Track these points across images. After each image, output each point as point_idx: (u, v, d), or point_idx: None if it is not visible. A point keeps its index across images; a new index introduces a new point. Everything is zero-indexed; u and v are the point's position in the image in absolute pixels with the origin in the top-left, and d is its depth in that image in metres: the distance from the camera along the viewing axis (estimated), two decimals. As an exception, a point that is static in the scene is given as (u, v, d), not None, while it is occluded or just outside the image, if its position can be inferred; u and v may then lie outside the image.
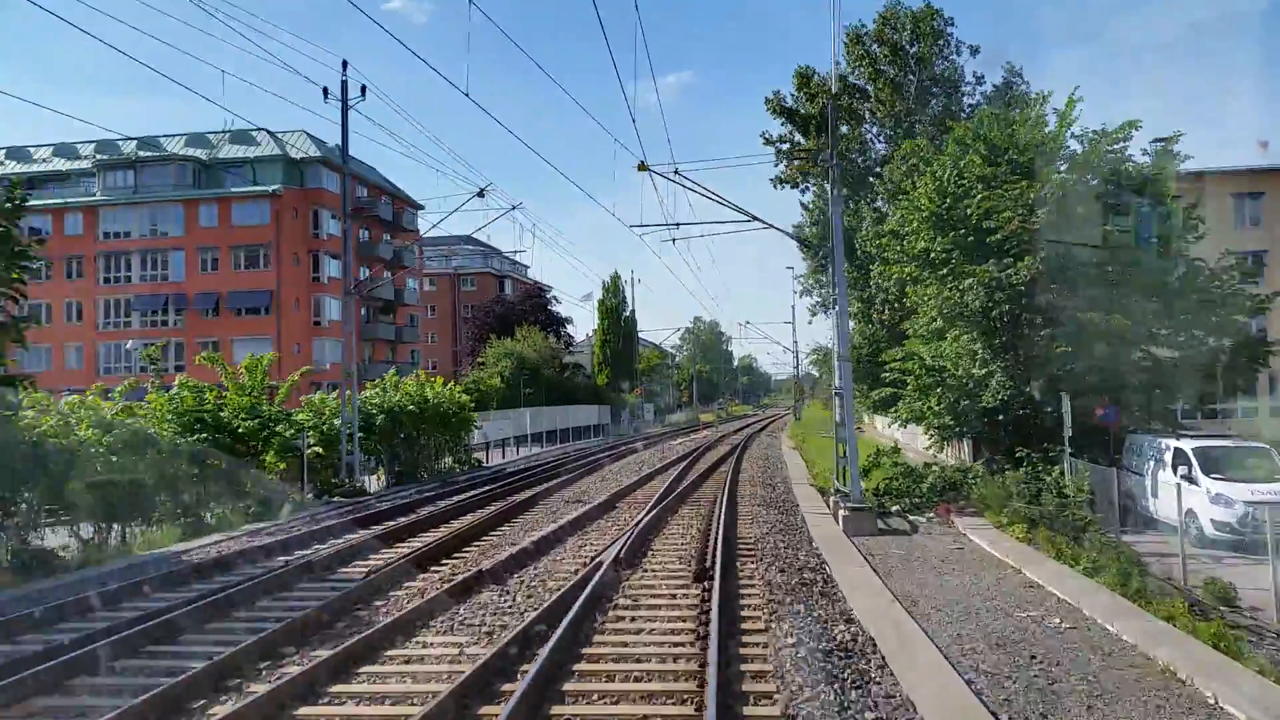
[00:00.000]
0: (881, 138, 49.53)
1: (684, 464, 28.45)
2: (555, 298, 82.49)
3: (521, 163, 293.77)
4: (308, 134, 56.09)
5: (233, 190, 52.55)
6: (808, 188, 50.15)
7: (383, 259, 58.77)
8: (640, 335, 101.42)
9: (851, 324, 50.57)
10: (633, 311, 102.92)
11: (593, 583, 10.65)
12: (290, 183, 53.42)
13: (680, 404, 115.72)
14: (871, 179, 49.76)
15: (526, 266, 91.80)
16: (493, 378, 59.98)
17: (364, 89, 24.99)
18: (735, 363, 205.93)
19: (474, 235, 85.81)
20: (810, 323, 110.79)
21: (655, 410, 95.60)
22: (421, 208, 65.98)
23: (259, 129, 53.53)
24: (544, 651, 7.89)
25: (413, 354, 63.43)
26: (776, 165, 49.74)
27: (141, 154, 53.25)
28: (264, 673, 7.92)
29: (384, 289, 58.48)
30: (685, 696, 7.23)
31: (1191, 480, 15.46)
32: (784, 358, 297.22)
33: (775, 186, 50.07)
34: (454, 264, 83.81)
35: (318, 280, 53.93)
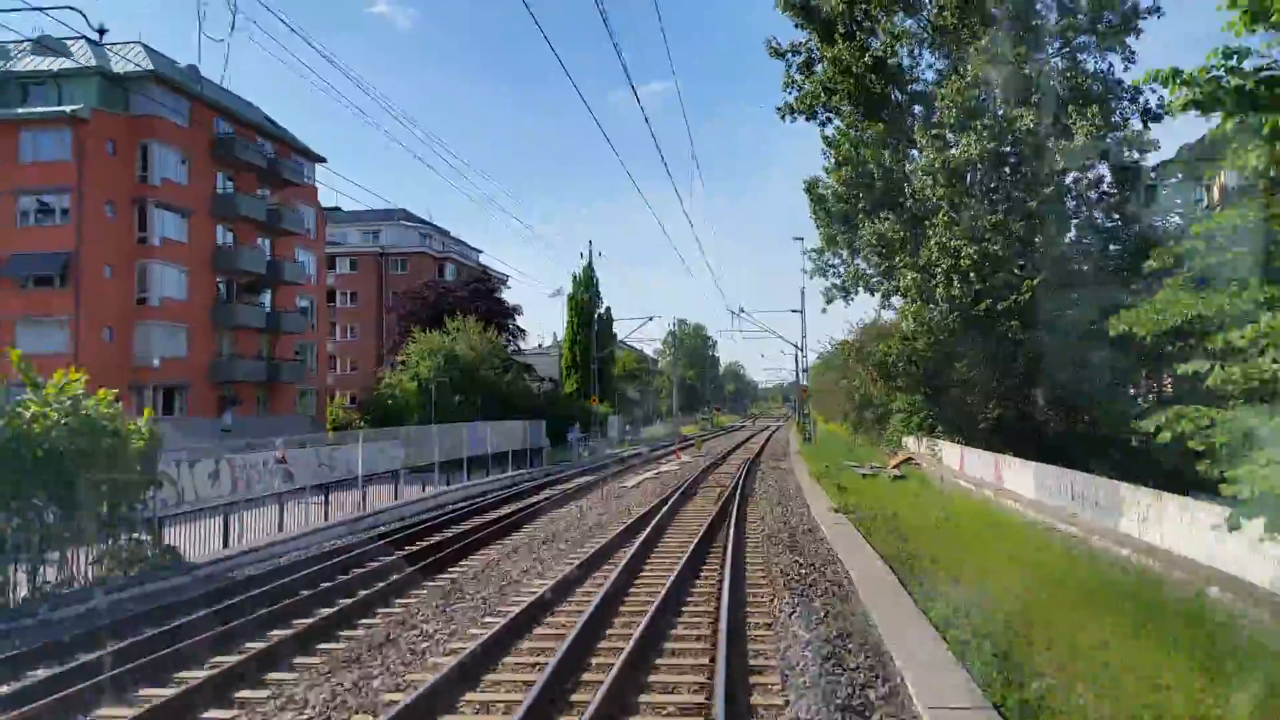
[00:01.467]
0: (931, 49, 34.90)
1: (601, 570, 13.45)
2: (502, 284, 67.48)
3: (516, 163, 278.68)
4: (145, 46, 40.92)
5: (19, 113, 37.31)
6: (829, 119, 35.49)
7: (250, 219, 43.56)
8: (622, 339, 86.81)
9: (897, 304, 36.22)
10: (608, 310, 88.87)
11: None
12: (110, 106, 38.23)
13: (658, 415, 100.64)
14: (918, 106, 35.25)
15: (478, 251, 76.69)
16: (410, 381, 44.93)
17: None
18: (721, 369, 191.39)
19: (416, 215, 70.71)
20: (824, 310, 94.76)
21: (628, 423, 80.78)
22: (321, 159, 50.83)
23: (78, 36, 38.21)
24: None
25: (299, 350, 47.99)
26: (786, 90, 35.08)
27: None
28: None
29: (249, 257, 43.22)
30: None
31: None
32: (777, 360, 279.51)
33: (784, 117, 35.33)
34: (382, 240, 68.53)
35: (145, 242, 38.68)
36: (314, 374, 50.13)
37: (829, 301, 37.85)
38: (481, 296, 55.40)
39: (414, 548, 15.18)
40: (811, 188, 36.73)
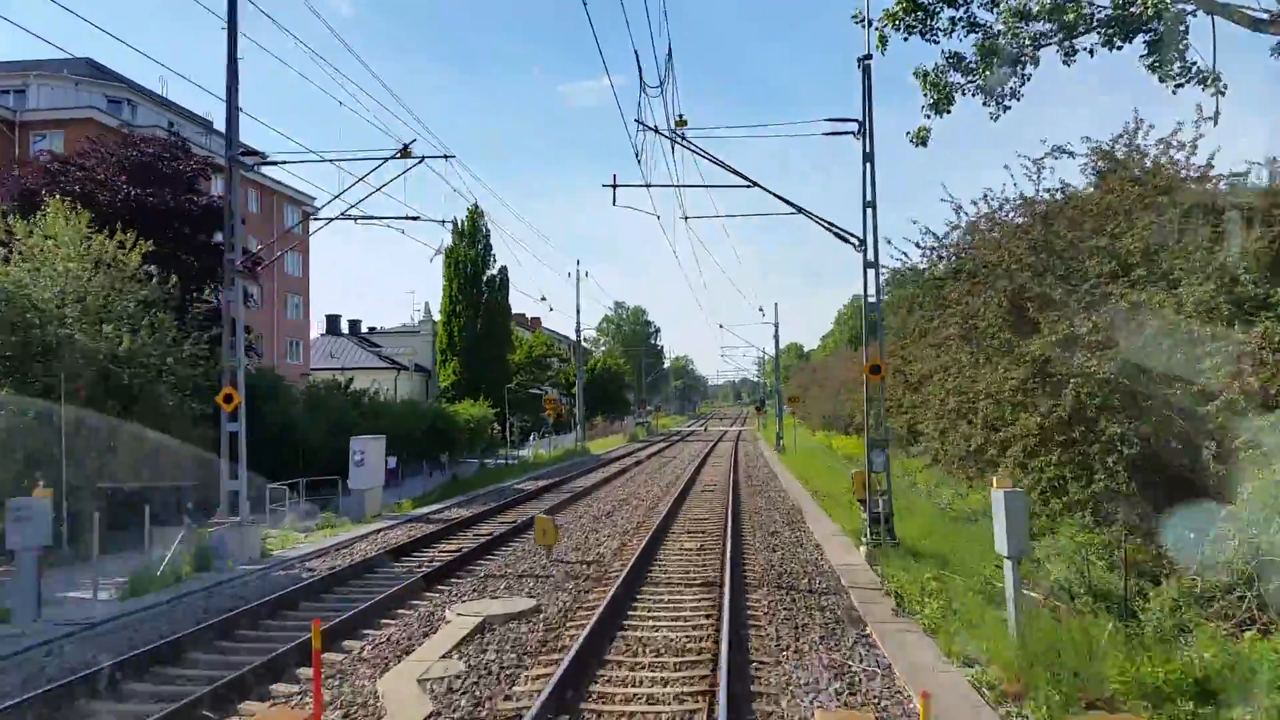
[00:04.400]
0: None
1: None
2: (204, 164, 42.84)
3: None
4: None
5: None
6: None
7: None
8: (547, 327, 63.45)
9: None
10: (503, 271, 65.44)
11: None
12: None
13: (564, 419, 77.28)
14: None
15: (254, 152, 51.93)
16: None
17: None
18: (668, 362, 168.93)
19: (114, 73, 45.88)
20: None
21: (531, 430, 57.47)
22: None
23: None
24: None
25: None
26: None
27: None
28: None
29: None
30: None
31: None
32: (736, 361, 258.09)
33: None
34: (32, 103, 40.86)
35: None
36: None
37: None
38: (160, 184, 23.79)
39: None
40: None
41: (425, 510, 21.19)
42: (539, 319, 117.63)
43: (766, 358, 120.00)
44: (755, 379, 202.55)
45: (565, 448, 47.23)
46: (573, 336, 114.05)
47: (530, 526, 16.93)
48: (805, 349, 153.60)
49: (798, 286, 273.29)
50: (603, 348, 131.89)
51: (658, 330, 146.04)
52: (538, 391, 79.03)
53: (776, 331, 45.02)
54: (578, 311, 48.42)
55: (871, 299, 15.02)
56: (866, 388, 15.03)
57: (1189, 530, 8.64)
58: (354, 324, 71.70)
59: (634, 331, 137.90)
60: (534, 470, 35.49)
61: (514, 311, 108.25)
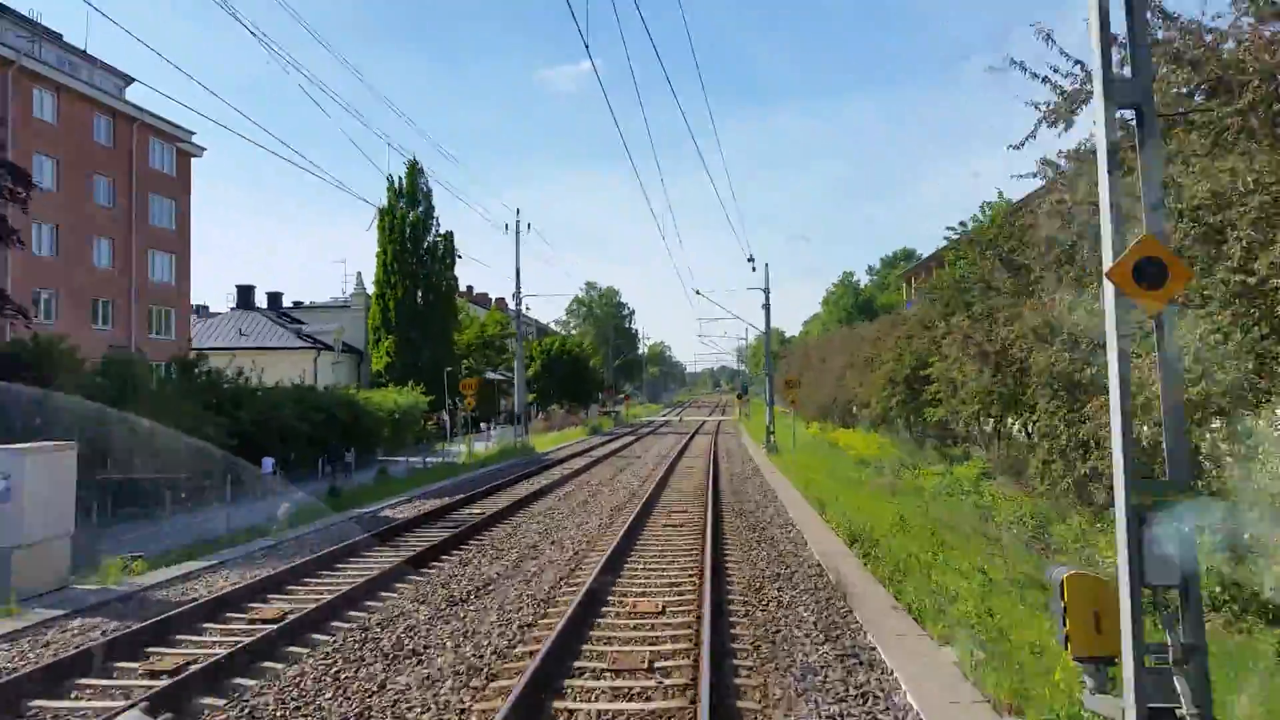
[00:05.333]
0: None
1: None
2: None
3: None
4: None
5: None
6: None
7: None
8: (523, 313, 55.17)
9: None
10: (448, 237, 55.96)
11: None
12: None
13: (521, 411, 67.28)
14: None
15: (127, 79, 41.03)
16: None
17: None
18: (643, 348, 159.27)
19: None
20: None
21: (480, 420, 48.29)
22: None
23: None
24: None
25: None
26: None
27: None
28: None
29: None
30: None
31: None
32: (715, 344, 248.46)
33: None
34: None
35: None
36: None
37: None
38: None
39: None
40: None
41: (141, 584, 11.45)
42: (503, 300, 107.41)
43: (747, 342, 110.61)
44: (735, 367, 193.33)
45: (505, 444, 37.53)
46: (543, 319, 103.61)
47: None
48: (785, 334, 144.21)
49: (774, 275, 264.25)
50: (574, 330, 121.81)
51: (632, 313, 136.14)
52: (496, 377, 69.27)
53: (767, 298, 35.54)
54: (517, 274, 38.70)
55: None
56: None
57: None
58: (274, 297, 61.36)
59: (606, 314, 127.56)
60: (445, 478, 25.80)
61: (477, 292, 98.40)
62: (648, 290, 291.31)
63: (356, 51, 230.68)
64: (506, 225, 38.13)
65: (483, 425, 54.51)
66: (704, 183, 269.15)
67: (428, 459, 35.85)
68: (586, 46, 27.76)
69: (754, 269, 36.54)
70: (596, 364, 69.32)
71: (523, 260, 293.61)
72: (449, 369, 48.46)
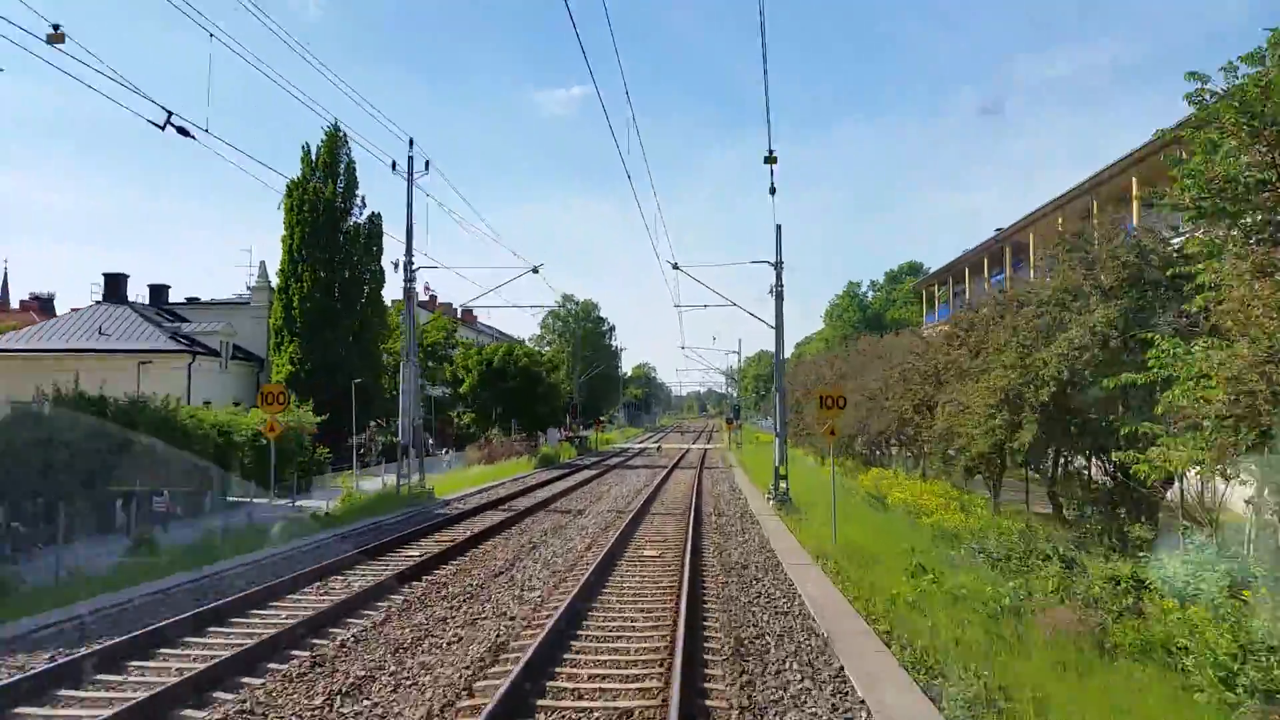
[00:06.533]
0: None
1: None
2: None
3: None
4: None
5: None
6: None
7: None
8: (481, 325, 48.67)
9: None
10: (375, 218, 45.25)
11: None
12: None
13: (463, 432, 55.26)
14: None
15: None
16: None
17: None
18: (626, 368, 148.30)
19: None
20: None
21: (308, 470, 37.60)
22: None
23: None
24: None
25: None
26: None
27: None
28: None
29: None
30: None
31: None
32: (703, 358, 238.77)
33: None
34: None
35: None
36: None
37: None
38: None
39: None
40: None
41: None
42: (472, 314, 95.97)
43: (738, 362, 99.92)
44: (721, 390, 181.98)
45: (388, 487, 26.40)
46: (518, 334, 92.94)
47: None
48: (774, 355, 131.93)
49: (761, 294, 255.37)
50: (547, 345, 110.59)
51: (612, 329, 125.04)
52: (434, 393, 58.11)
53: (779, 277, 24.64)
54: (409, 232, 27.68)
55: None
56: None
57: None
58: (157, 290, 50.10)
59: (583, 330, 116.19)
60: (217, 560, 14.76)
61: (426, 295, 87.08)
62: (637, 316, 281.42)
63: (357, 78, 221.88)
64: (394, 163, 26.97)
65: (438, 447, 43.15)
66: (697, 202, 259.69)
67: (297, 501, 25.64)
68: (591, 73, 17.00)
69: (772, 168, 21.89)
70: (557, 380, 58.13)
71: (493, 260, 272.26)
72: (358, 380, 37.50)
